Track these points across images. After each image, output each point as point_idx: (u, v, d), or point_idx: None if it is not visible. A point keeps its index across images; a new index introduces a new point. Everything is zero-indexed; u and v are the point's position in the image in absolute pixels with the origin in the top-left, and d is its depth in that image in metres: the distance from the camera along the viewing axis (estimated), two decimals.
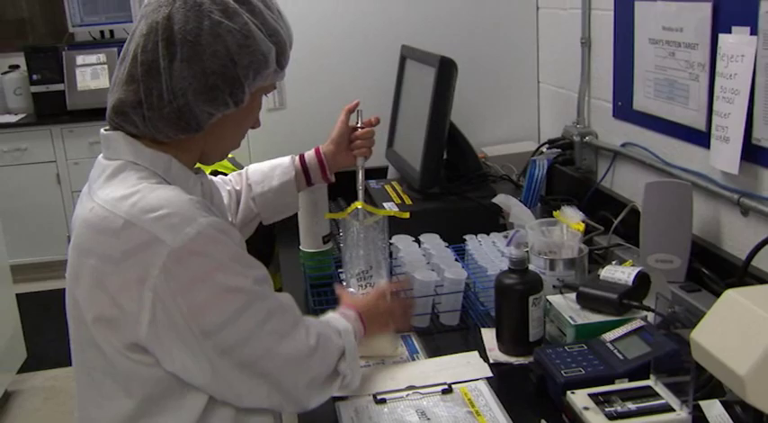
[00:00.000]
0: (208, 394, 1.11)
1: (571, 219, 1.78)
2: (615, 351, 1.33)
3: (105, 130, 1.15)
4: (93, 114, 4.44)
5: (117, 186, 1.07)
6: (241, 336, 1.06)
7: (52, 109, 4.67)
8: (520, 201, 1.99)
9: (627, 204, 1.91)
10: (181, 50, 1.06)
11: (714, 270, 1.61)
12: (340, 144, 1.62)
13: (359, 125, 1.63)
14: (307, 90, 2.46)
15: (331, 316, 1.32)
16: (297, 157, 1.62)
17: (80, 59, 4.70)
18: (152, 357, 1.07)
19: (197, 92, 1.08)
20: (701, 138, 1.65)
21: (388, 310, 1.42)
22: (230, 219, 1.50)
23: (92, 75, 4.64)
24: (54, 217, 4.62)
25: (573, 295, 1.53)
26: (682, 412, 1.17)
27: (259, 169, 1.59)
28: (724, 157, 1.55)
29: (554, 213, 1.87)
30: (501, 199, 1.95)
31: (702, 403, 1.18)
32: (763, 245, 1.43)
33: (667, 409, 1.18)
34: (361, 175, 1.61)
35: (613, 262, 1.61)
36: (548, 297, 1.53)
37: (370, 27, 2.45)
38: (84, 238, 1.07)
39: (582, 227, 1.74)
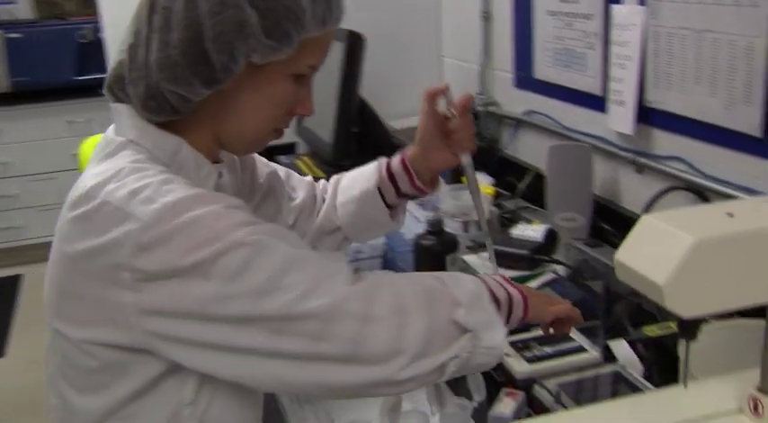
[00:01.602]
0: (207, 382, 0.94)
1: (481, 184, 1.86)
2: None
3: (112, 101, 1.01)
4: None
5: (107, 166, 0.93)
6: (254, 294, 0.85)
7: None
8: None
9: (531, 169, 2.02)
10: (158, 19, 0.92)
11: (614, 225, 1.73)
12: (429, 143, 1.19)
13: (453, 112, 1.17)
14: None
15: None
16: (384, 164, 1.24)
17: None
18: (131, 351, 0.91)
19: (161, 68, 0.92)
20: (598, 102, 1.76)
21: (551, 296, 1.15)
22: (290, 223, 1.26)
23: None
24: None
25: (487, 254, 1.62)
26: (594, 352, 1.28)
27: (349, 175, 1.29)
28: (620, 119, 1.66)
29: (462, 179, 1.96)
30: None
31: (611, 343, 1.29)
32: (656, 199, 1.55)
33: (581, 350, 1.28)
34: (471, 176, 1.22)
35: (522, 223, 1.70)
36: (463, 257, 1.61)
37: None
38: (62, 222, 0.93)
39: (492, 190, 1.83)
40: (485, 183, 1.87)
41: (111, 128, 1.01)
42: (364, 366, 0.87)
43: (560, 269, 1.57)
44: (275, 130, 1.04)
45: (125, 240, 0.85)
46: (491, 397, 1.14)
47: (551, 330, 1.07)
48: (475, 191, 1.21)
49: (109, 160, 0.94)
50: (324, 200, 1.29)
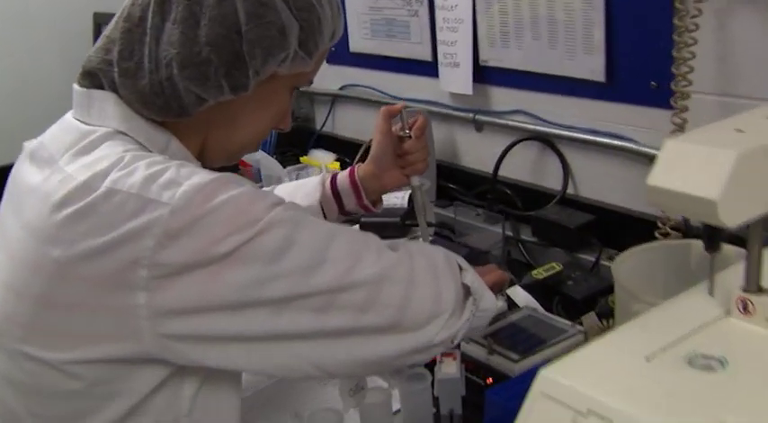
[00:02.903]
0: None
1: (324, 160, 1.85)
2: None
3: (83, 86, 0.89)
4: None
5: (96, 155, 0.82)
6: (300, 271, 0.79)
7: None
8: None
9: (354, 143, 2.03)
10: (176, 9, 0.83)
11: (459, 184, 1.80)
12: (382, 162, 1.18)
13: (407, 133, 1.16)
14: None
15: None
16: (328, 178, 1.22)
17: None
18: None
19: (183, 65, 0.83)
20: (427, 68, 1.81)
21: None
22: None
23: None
24: None
25: (354, 228, 1.61)
26: (499, 302, 1.32)
27: (285, 188, 1.25)
28: (456, 80, 1.72)
29: (302, 159, 1.93)
30: (247, 155, 1.94)
31: (509, 291, 1.35)
32: (508, 150, 1.63)
33: None
34: (419, 198, 1.18)
35: None
36: None
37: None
38: (47, 221, 0.78)
39: (338, 165, 1.81)
40: (327, 158, 1.85)
41: (72, 120, 0.88)
42: (405, 334, 0.85)
43: (429, 231, 1.60)
44: (257, 144, 0.99)
45: (150, 229, 0.74)
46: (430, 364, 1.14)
47: None
48: (421, 213, 1.19)
49: (94, 151, 0.82)
50: None
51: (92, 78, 0.88)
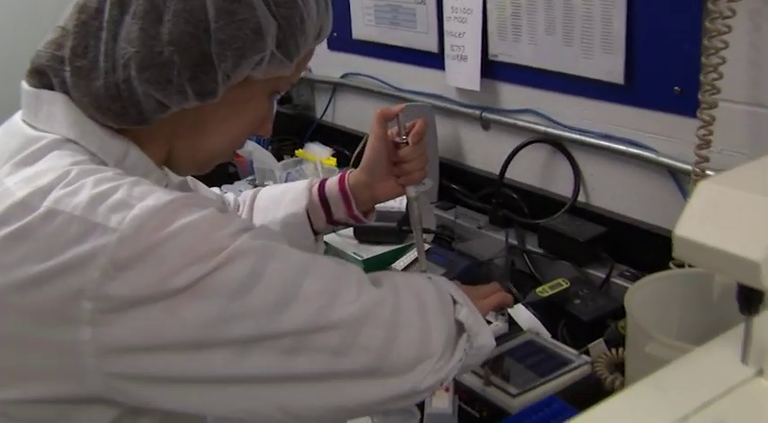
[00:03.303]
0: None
1: (320, 155, 1.74)
2: None
3: (31, 85, 0.78)
4: None
5: (38, 168, 0.72)
6: (268, 309, 0.69)
7: None
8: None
9: (354, 134, 1.92)
10: (136, 1, 0.73)
11: (463, 185, 1.69)
12: (374, 171, 1.05)
13: (404, 139, 1.03)
14: None
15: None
16: (316, 184, 1.10)
17: None
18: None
19: (143, 66, 0.73)
20: (433, 60, 1.69)
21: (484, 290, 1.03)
22: None
23: None
24: None
25: (348, 231, 1.51)
26: (499, 323, 1.22)
27: (270, 193, 1.14)
28: (463, 75, 1.60)
29: (297, 152, 1.82)
30: None
31: (511, 311, 1.24)
32: (516, 152, 1.52)
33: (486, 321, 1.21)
34: (416, 210, 1.06)
35: None
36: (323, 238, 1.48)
37: None
38: None
39: (334, 161, 1.71)
40: (324, 153, 1.74)
41: (20, 122, 0.78)
42: (387, 379, 0.75)
43: (428, 237, 1.49)
44: (232, 152, 0.88)
45: (95, 258, 0.65)
46: None
47: None
48: (417, 226, 1.07)
49: (38, 162, 0.72)
50: None
51: (41, 77, 0.77)
